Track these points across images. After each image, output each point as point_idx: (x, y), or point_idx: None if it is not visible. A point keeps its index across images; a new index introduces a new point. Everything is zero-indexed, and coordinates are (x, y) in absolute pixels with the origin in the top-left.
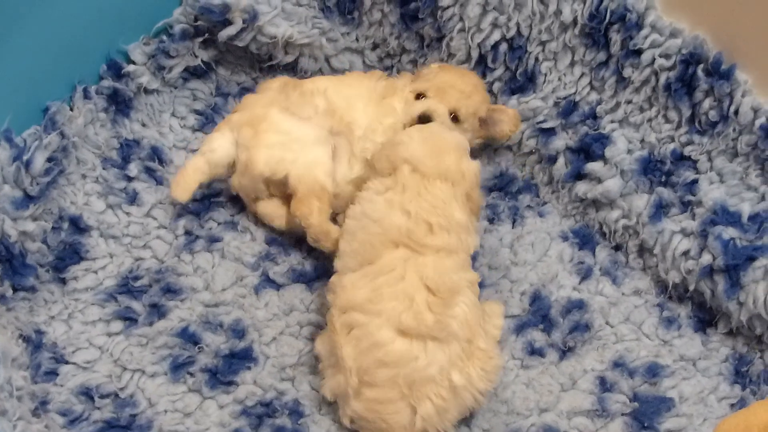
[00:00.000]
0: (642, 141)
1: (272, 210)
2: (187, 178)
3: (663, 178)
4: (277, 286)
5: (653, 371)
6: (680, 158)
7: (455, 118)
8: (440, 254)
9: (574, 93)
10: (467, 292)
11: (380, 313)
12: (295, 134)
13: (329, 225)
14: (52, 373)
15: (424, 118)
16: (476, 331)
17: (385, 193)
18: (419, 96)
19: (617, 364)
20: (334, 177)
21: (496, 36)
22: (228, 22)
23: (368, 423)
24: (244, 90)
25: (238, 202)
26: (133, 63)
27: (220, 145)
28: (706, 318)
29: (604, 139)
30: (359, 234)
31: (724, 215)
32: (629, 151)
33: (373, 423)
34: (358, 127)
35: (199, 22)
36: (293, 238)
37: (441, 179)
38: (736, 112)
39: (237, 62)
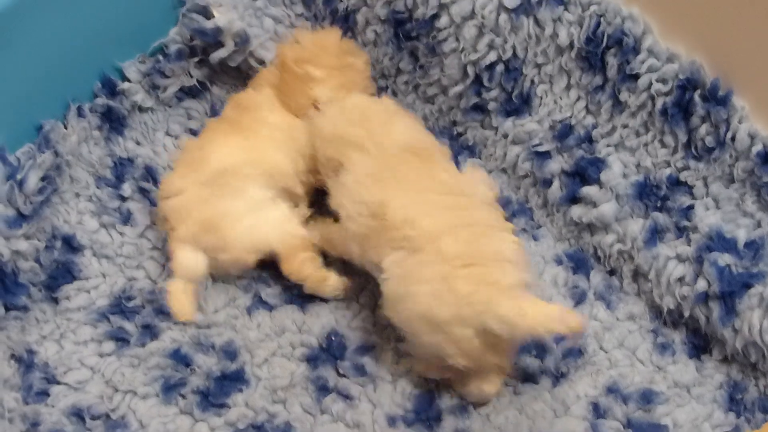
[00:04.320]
0: (638, 165)
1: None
2: (184, 301)
3: (658, 203)
4: (270, 307)
5: (647, 397)
6: (676, 183)
7: None
8: None
9: (570, 116)
10: None
11: None
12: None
13: (323, 272)
14: (44, 394)
15: None
16: None
17: None
18: None
19: (611, 390)
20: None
21: (492, 57)
22: (220, 45)
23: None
24: None
25: None
26: (128, 81)
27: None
28: (700, 344)
29: (599, 163)
30: None
31: (720, 241)
32: (625, 176)
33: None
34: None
35: (194, 42)
36: None
37: None
38: (733, 139)
39: (231, 82)
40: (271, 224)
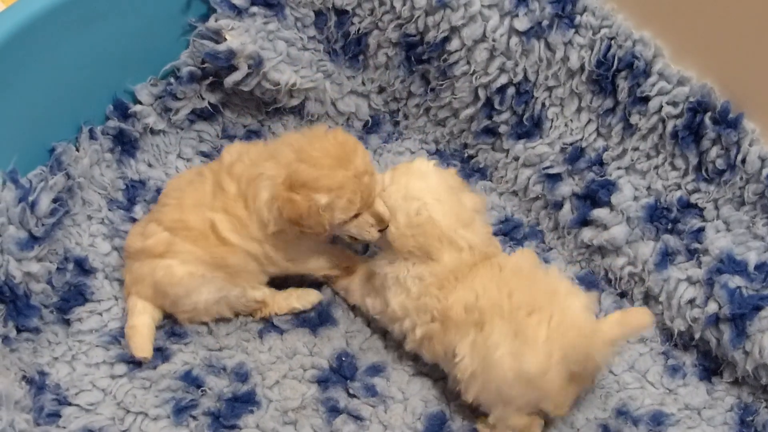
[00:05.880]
0: (648, 188)
1: None
2: (145, 338)
3: (669, 226)
4: (281, 331)
5: (658, 419)
6: (687, 206)
7: None
8: None
9: (581, 139)
10: None
11: None
12: None
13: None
14: (55, 415)
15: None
16: None
17: None
18: None
19: (621, 413)
20: None
21: (503, 80)
22: (233, 68)
23: None
24: (250, 132)
25: None
26: (140, 103)
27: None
28: (711, 366)
29: (610, 186)
30: None
31: (731, 264)
32: (635, 198)
33: None
34: None
35: (206, 65)
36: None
37: None
38: (744, 161)
39: (243, 105)
40: (225, 305)
